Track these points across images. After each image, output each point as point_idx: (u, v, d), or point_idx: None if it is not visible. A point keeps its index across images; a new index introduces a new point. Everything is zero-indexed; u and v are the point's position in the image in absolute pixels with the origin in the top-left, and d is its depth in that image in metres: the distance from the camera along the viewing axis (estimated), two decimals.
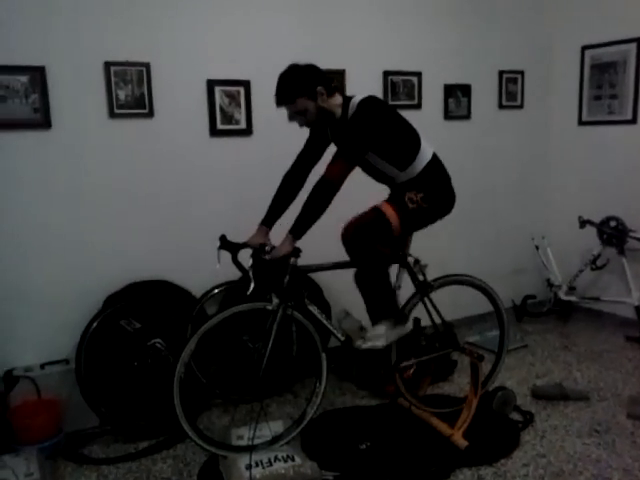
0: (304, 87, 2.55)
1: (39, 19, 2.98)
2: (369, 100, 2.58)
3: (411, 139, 2.71)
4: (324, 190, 2.48)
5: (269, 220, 2.83)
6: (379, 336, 2.71)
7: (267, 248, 2.58)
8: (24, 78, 2.98)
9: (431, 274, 2.98)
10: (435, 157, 2.77)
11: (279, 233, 2.63)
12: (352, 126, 2.55)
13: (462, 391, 3.38)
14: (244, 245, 2.79)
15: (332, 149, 2.73)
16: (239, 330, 3.23)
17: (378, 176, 2.80)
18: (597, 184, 4.58)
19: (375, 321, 2.76)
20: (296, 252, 2.57)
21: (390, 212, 2.62)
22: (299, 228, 2.49)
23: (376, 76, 4.00)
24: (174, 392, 2.56)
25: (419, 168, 2.70)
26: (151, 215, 3.38)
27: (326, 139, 2.80)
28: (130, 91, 3.24)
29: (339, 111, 2.64)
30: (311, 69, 2.59)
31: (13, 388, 2.96)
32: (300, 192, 2.81)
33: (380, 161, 2.68)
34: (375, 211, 2.64)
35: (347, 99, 2.65)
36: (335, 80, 2.72)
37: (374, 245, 2.62)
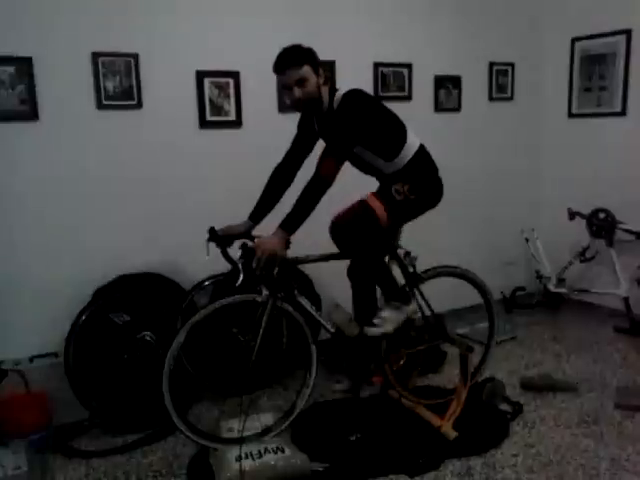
0: (312, 57, 2.55)
1: (26, 9, 2.95)
2: (353, 93, 2.57)
3: (397, 131, 2.70)
4: (317, 187, 2.47)
5: (256, 215, 2.83)
6: (386, 320, 2.73)
7: (256, 241, 2.57)
8: (11, 69, 2.94)
9: (421, 266, 2.99)
10: (422, 148, 2.76)
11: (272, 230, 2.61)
12: (338, 120, 2.54)
13: (451, 382, 3.39)
14: (232, 237, 2.78)
15: (320, 145, 2.70)
16: (229, 322, 3.22)
17: (366, 168, 2.79)
18: (587, 176, 4.59)
19: (375, 309, 2.77)
20: (286, 244, 2.56)
21: (376, 204, 2.61)
22: (291, 223, 2.47)
23: (366, 67, 3.99)
24: (164, 385, 2.55)
25: (406, 160, 2.70)
26: (140, 207, 3.36)
27: (313, 133, 2.79)
28: (118, 82, 3.22)
29: (326, 102, 2.63)
30: (315, 52, 2.59)
31: (1, 381, 2.93)
32: (289, 188, 2.80)
33: (367, 153, 2.68)
34: (361, 204, 2.63)
35: (332, 92, 2.63)
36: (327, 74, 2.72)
37: (362, 237, 2.61)
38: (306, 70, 2.51)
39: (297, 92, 2.53)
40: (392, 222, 2.69)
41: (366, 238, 2.62)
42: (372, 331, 2.73)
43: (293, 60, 2.51)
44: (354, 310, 2.82)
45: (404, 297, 2.84)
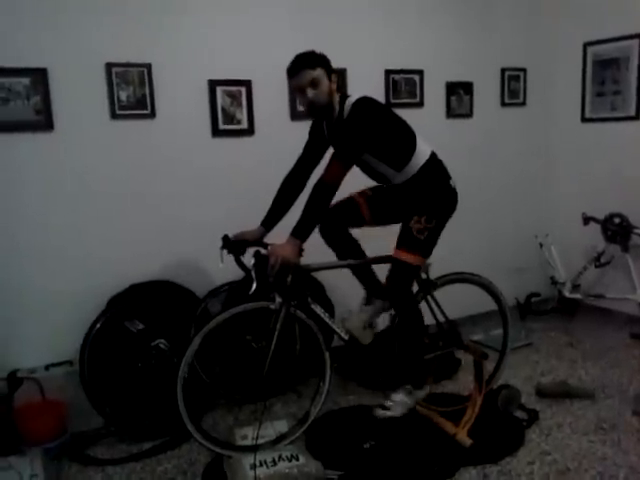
0: (325, 62, 2.59)
1: (40, 21, 2.99)
2: (363, 101, 2.58)
3: (406, 139, 2.71)
4: (321, 192, 2.49)
5: (268, 222, 2.83)
6: (397, 404, 2.81)
7: (269, 248, 2.58)
8: (26, 80, 2.98)
9: (435, 273, 2.98)
10: (433, 156, 2.76)
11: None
12: (347, 127, 2.55)
13: (466, 389, 3.37)
14: (245, 244, 2.79)
15: (331, 152, 2.71)
16: (242, 330, 3.22)
17: (375, 176, 2.80)
18: (601, 181, 4.56)
19: (396, 386, 2.86)
20: (299, 251, 2.56)
21: (410, 258, 2.67)
22: (302, 230, 2.48)
23: (378, 75, 4.00)
24: (178, 392, 2.56)
25: (416, 168, 2.70)
26: (154, 215, 3.38)
27: (324, 140, 2.79)
28: (132, 92, 3.24)
29: (337, 109, 2.64)
30: (329, 59, 2.63)
31: (17, 389, 2.96)
32: (300, 195, 2.80)
33: (376, 161, 2.68)
34: (397, 265, 2.69)
35: (343, 99, 2.64)
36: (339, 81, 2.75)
37: (410, 292, 2.78)
38: (319, 72, 2.54)
39: (310, 93, 2.55)
40: (425, 256, 2.76)
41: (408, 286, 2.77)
42: (381, 413, 2.81)
43: (307, 62, 2.54)
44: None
45: (419, 381, 2.88)
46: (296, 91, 2.64)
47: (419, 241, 2.66)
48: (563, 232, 4.78)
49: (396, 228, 2.76)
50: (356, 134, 2.53)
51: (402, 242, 2.71)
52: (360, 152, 2.59)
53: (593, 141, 4.62)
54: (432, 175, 2.74)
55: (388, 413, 2.78)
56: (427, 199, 2.71)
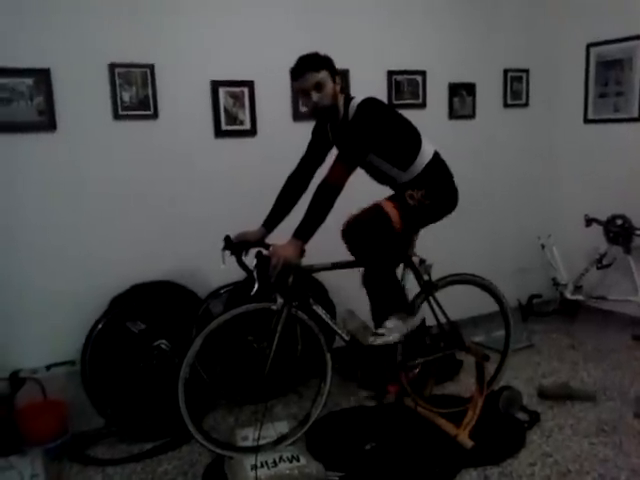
0: (330, 64, 2.58)
1: (43, 21, 2.99)
2: (368, 102, 2.58)
3: (411, 139, 2.71)
4: (325, 193, 2.48)
5: (270, 223, 2.83)
6: (391, 330, 2.70)
7: (271, 249, 2.58)
8: (29, 80, 2.98)
9: (436, 273, 2.98)
10: (436, 156, 2.76)
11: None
12: (352, 128, 2.55)
13: (468, 391, 3.37)
14: (247, 245, 2.79)
15: (334, 152, 2.71)
16: (244, 330, 3.23)
17: (380, 177, 2.80)
18: (603, 182, 4.55)
19: (385, 316, 2.73)
20: (300, 252, 2.56)
21: (390, 207, 2.60)
22: (304, 231, 2.48)
23: (380, 75, 4.00)
24: (179, 393, 2.56)
25: (420, 168, 2.70)
26: (156, 216, 3.38)
27: (327, 141, 2.79)
28: (134, 93, 3.25)
29: (342, 111, 2.64)
30: (333, 60, 2.62)
31: (19, 389, 2.96)
32: (303, 196, 2.80)
33: (381, 162, 2.68)
34: (375, 207, 2.63)
35: (347, 101, 2.64)
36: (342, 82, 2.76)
37: (375, 241, 2.61)
38: (324, 75, 2.53)
39: (315, 96, 2.54)
40: (406, 227, 2.68)
41: (379, 242, 2.61)
42: (376, 340, 2.71)
43: (311, 65, 2.53)
44: (373, 319, 2.80)
45: (409, 308, 2.83)
46: (300, 93, 2.64)
47: (406, 202, 2.64)
48: (565, 233, 4.77)
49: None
50: (362, 135, 2.53)
51: (391, 197, 2.70)
52: (366, 153, 2.59)
53: (596, 142, 4.61)
54: (436, 173, 2.75)
55: (382, 339, 2.69)
56: (430, 187, 2.70)
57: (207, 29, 3.40)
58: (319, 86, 2.53)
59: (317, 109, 2.59)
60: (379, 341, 2.70)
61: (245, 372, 3.15)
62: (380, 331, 2.72)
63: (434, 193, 2.70)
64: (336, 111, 2.63)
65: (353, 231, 2.63)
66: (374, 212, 2.61)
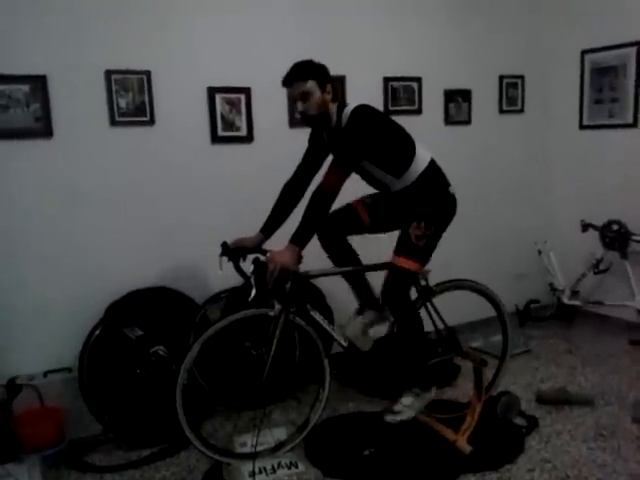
0: (319, 73, 2.59)
1: (40, 28, 3.00)
2: (360, 109, 2.59)
3: (405, 146, 2.72)
4: (321, 199, 2.50)
5: (267, 229, 2.83)
6: (408, 407, 2.79)
7: (268, 255, 2.58)
8: (25, 87, 2.98)
9: (433, 279, 2.98)
10: (432, 163, 2.77)
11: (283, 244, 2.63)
12: (345, 135, 2.56)
13: (466, 396, 3.36)
14: (244, 251, 2.79)
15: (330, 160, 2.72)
16: (241, 337, 3.22)
17: (374, 183, 2.81)
18: (599, 188, 4.57)
19: (401, 389, 2.84)
20: (298, 258, 2.57)
21: (404, 262, 2.66)
22: (300, 237, 2.49)
23: (376, 82, 4.01)
24: (177, 399, 2.55)
25: (415, 175, 2.70)
26: (153, 222, 3.38)
27: (324, 148, 2.80)
28: (131, 99, 3.25)
29: (335, 118, 2.65)
30: (326, 68, 2.63)
31: (16, 396, 2.95)
32: (300, 203, 2.81)
33: (374, 169, 2.69)
34: (395, 271, 2.68)
35: (341, 108, 2.65)
36: (337, 89, 2.77)
37: (408, 298, 2.76)
38: (310, 85, 2.55)
39: (300, 106, 2.59)
40: (425, 262, 2.75)
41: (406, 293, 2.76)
42: (392, 418, 2.78)
43: (298, 75, 2.56)
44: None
45: (425, 384, 2.86)
46: (292, 100, 2.68)
47: (417, 248, 2.67)
48: (562, 239, 4.79)
49: (396, 234, 2.77)
50: (354, 142, 2.54)
51: (400, 248, 2.71)
52: (359, 159, 2.60)
53: (591, 148, 4.63)
54: (431, 182, 2.75)
55: (399, 417, 2.76)
56: (426, 205, 2.71)
57: (203, 36, 3.41)
58: (305, 96, 2.56)
59: (306, 117, 2.63)
60: (395, 420, 2.78)
61: (243, 378, 3.14)
62: (396, 408, 2.79)
63: (434, 216, 2.71)
64: (327, 119, 2.65)
65: (389, 302, 2.75)
66: (397, 276, 2.69)
